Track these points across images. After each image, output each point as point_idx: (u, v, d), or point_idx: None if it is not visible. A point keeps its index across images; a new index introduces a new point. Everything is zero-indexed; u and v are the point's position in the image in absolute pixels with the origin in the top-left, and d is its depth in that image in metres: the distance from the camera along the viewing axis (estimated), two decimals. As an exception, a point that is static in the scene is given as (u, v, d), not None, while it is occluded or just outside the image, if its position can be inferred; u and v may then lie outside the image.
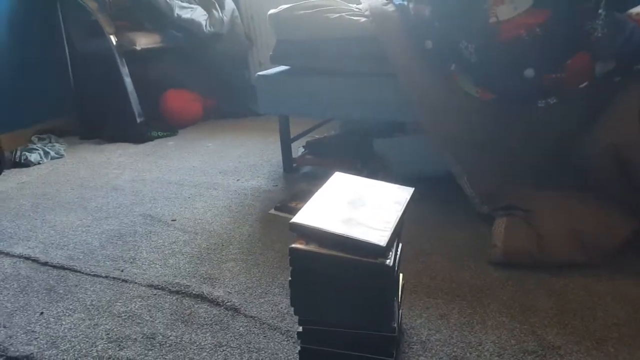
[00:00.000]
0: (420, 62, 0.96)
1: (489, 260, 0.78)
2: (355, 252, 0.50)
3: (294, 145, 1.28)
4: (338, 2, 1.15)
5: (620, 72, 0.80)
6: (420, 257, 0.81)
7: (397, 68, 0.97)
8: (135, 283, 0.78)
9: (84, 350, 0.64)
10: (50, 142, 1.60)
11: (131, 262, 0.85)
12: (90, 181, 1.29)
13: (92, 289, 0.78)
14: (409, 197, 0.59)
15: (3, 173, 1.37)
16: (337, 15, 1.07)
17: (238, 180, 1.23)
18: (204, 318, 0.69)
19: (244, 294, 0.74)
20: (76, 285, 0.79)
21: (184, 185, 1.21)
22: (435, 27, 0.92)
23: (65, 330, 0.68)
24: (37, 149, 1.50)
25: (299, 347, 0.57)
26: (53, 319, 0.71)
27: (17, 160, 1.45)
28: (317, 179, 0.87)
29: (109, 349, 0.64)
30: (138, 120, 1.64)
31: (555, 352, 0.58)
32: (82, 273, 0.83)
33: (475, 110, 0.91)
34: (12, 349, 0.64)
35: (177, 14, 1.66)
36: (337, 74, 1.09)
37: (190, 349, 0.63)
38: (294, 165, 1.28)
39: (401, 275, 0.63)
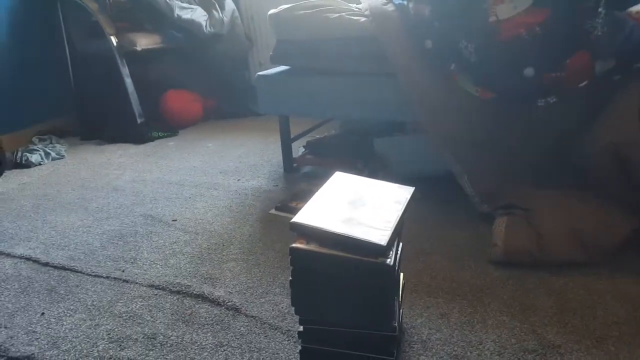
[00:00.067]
0: (420, 62, 0.96)
1: (490, 260, 0.78)
2: (355, 252, 0.50)
3: (294, 145, 1.28)
4: (338, 2, 1.15)
5: (620, 70, 0.80)
6: (421, 256, 0.81)
7: (397, 68, 0.97)
8: (136, 283, 0.79)
9: (85, 351, 0.64)
10: (51, 142, 1.61)
11: (132, 263, 0.85)
12: (91, 182, 1.29)
13: (93, 289, 0.78)
14: (409, 197, 0.59)
15: (4, 174, 1.38)
16: (337, 15, 1.07)
17: (238, 180, 1.23)
18: (205, 318, 0.69)
19: (244, 293, 0.74)
20: (77, 286, 0.79)
21: (184, 186, 1.22)
22: (435, 27, 0.92)
23: (66, 331, 0.68)
24: (38, 150, 1.51)
25: (299, 347, 0.57)
26: (54, 320, 0.71)
27: (18, 161, 1.45)
28: (318, 178, 0.87)
29: (110, 349, 0.64)
30: (138, 120, 1.64)
31: (555, 351, 0.58)
32: (83, 273, 0.83)
33: (475, 110, 0.91)
34: (13, 350, 0.64)
35: (177, 14, 1.66)
36: (337, 74, 1.09)
37: (191, 349, 0.63)
38: (295, 165, 1.28)
39: (402, 274, 0.63)
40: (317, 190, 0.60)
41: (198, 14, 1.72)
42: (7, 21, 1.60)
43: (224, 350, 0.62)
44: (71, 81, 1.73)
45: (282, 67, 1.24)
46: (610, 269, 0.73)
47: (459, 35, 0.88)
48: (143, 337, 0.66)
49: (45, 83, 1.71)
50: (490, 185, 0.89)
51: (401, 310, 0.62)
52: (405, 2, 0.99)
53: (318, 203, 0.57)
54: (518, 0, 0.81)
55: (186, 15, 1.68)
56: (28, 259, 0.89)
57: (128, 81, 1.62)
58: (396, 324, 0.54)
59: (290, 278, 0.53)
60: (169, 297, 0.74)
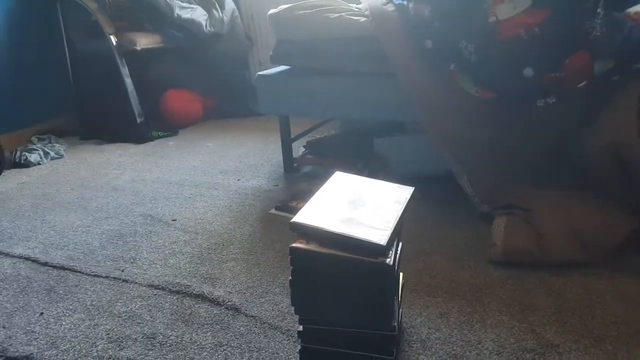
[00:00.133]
0: (420, 62, 0.96)
1: (489, 260, 0.78)
2: (355, 252, 0.50)
3: (294, 145, 1.28)
4: (338, 2, 1.15)
5: (619, 70, 0.80)
6: (421, 256, 0.81)
7: (397, 68, 0.97)
8: (136, 283, 0.79)
9: (84, 351, 0.64)
10: (50, 142, 1.60)
11: (131, 262, 0.85)
12: (90, 181, 1.29)
13: (92, 289, 0.78)
14: (409, 197, 0.59)
15: (3, 173, 1.37)
16: (337, 15, 1.07)
17: (238, 180, 1.23)
18: (205, 318, 0.69)
19: (244, 293, 0.74)
20: (76, 286, 0.79)
21: (184, 185, 1.22)
22: (435, 27, 0.92)
23: (65, 331, 0.68)
24: (37, 150, 1.50)
25: (299, 346, 0.57)
26: (53, 319, 0.71)
27: (17, 160, 1.45)
28: (318, 178, 0.88)
29: (109, 349, 0.64)
30: (138, 120, 1.64)
31: (554, 350, 0.58)
32: (82, 273, 0.83)
33: (475, 110, 0.91)
34: (12, 350, 0.64)
35: (177, 14, 1.66)
36: (337, 74, 1.09)
37: (191, 348, 0.63)
38: (295, 165, 1.28)
39: (401, 274, 0.63)
40: (317, 190, 0.60)
41: (198, 14, 1.72)
42: (6, 21, 1.59)
43: (224, 350, 0.62)
44: (70, 81, 1.73)
45: (282, 67, 1.24)
46: (609, 269, 0.73)
47: (458, 35, 0.88)
48: (142, 337, 0.65)
49: (44, 83, 1.71)
50: (490, 185, 0.90)
51: (401, 310, 0.62)
52: (405, 2, 1.00)
53: (318, 203, 0.57)
54: (518, 1, 0.81)
55: (186, 14, 1.68)
56: (27, 258, 0.89)
57: (128, 81, 1.62)
58: (396, 324, 0.54)
59: (290, 278, 0.53)
60: (169, 297, 0.74)
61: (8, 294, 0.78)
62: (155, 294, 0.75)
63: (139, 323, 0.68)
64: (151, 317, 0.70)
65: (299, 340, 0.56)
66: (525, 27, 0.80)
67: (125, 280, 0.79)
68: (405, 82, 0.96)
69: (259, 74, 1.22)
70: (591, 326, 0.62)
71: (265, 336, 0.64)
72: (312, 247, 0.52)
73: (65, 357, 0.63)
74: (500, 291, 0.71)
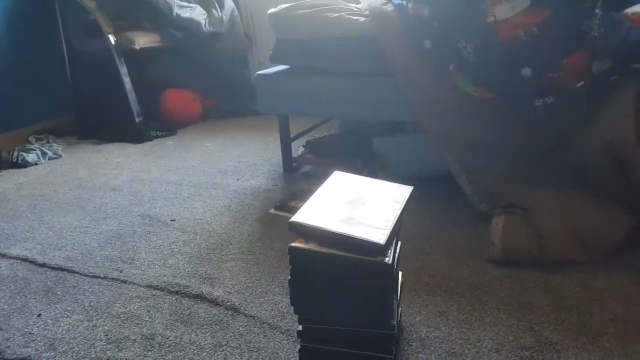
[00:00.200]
0: (419, 62, 0.96)
1: (487, 258, 0.78)
2: (354, 251, 0.50)
3: (293, 144, 1.28)
4: (337, 2, 1.15)
5: (616, 70, 0.81)
6: (419, 255, 0.81)
7: (396, 67, 0.97)
8: (134, 284, 0.78)
9: (82, 352, 0.63)
10: (48, 142, 1.60)
11: (130, 263, 0.85)
12: (88, 181, 1.28)
13: (90, 290, 0.78)
14: (408, 196, 0.59)
15: (0, 174, 1.36)
16: (337, 14, 1.07)
17: (238, 179, 1.23)
18: (204, 318, 0.69)
19: (243, 293, 0.74)
20: (74, 287, 0.79)
21: (183, 185, 1.21)
22: (434, 27, 0.92)
23: (64, 332, 0.68)
24: (35, 149, 1.50)
25: (299, 346, 0.57)
26: (51, 321, 0.70)
27: (14, 160, 1.44)
28: (317, 178, 0.87)
29: (108, 350, 0.63)
30: (137, 120, 1.64)
31: (552, 348, 0.59)
32: (81, 274, 0.82)
33: (473, 110, 0.91)
34: (9, 352, 0.64)
35: (176, 13, 1.66)
36: (337, 73, 1.09)
37: (190, 349, 0.63)
38: (294, 164, 1.28)
39: (400, 273, 0.63)
40: (316, 190, 0.60)
41: (197, 13, 1.71)
42: (3, 20, 1.58)
43: (223, 350, 0.62)
44: (69, 80, 1.72)
45: (282, 66, 1.24)
46: (606, 267, 0.74)
47: (457, 35, 0.88)
48: (141, 337, 0.65)
49: (42, 82, 1.70)
50: (489, 184, 0.90)
51: (400, 309, 0.62)
52: (404, 2, 1.00)
53: (317, 202, 0.57)
54: (516, 1, 0.81)
55: (185, 13, 1.68)
56: (24, 259, 0.89)
57: (126, 80, 1.62)
58: (395, 323, 0.54)
59: (289, 277, 0.53)
60: (168, 297, 0.74)
61: (5, 295, 0.78)
62: (154, 295, 0.75)
63: (138, 324, 0.68)
64: (150, 317, 0.69)
65: (299, 339, 0.56)
66: (524, 27, 0.81)
67: (124, 281, 0.79)
68: (404, 82, 0.97)
69: (258, 74, 1.22)
70: (589, 324, 0.63)
71: (265, 336, 0.64)
72: (311, 246, 0.52)
73: (63, 358, 0.62)
74: (499, 289, 0.71)
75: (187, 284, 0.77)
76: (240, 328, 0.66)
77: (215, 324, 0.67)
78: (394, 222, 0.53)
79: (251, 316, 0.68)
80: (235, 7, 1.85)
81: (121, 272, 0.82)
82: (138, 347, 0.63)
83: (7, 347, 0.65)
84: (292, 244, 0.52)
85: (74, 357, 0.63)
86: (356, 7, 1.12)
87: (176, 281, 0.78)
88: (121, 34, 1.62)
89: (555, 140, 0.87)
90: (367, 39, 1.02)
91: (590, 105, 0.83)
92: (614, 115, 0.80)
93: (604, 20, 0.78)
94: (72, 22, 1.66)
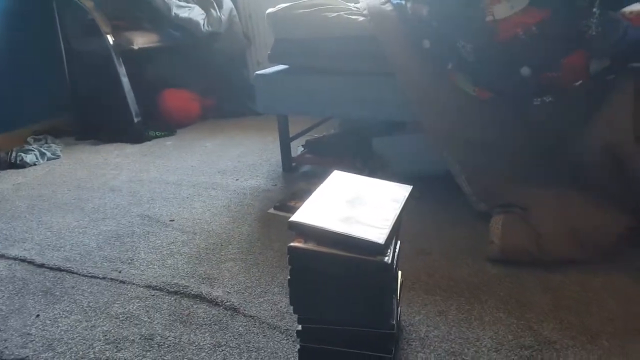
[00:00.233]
0: (418, 61, 0.96)
1: (487, 257, 0.78)
2: (353, 250, 0.50)
3: (293, 144, 1.28)
4: (336, 1, 1.15)
5: (614, 69, 0.81)
6: (419, 254, 0.81)
7: (396, 67, 0.97)
8: (133, 284, 0.78)
9: (80, 352, 0.63)
10: (46, 142, 1.59)
11: (129, 263, 0.85)
12: (87, 182, 1.28)
13: (89, 290, 0.77)
14: (407, 195, 0.59)
15: (-2, 174, 1.37)
16: (336, 14, 1.07)
17: (237, 179, 1.23)
18: (203, 318, 0.69)
19: (243, 293, 0.74)
20: (73, 287, 0.78)
21: (182, 185, 1.21)
22: (433, 27, 0.92)
23: (62, 333, 0.67)
24: (33, 150, 1.49)
25: (298, 346, 0.57)
26: (49, 321, 0.70)
27: (13, 161, 1.44)
28: (316, 178, 0.87)
29: (107, 350, 0.63)
30: (135, 120, 1.63)
31: (551, 347, 0.59)
32: (79, 274, 0.82)
33: (472, 109, 0.91)
34: (8, 352, 0.64)
35: (175, 13, 1.65)
36: (336, 73, 1.09)
37: (189, 349, 0.63)
38: (293, 164, 1.28)
39: (400, 272, 0.63)
40: (315, 190, 0.60)
41: (196, 13, 1.71)
42: (1, 20, 1.58)
43: (222, 350, 0.62)
44: (67, 80, 1.71)
45: (281, 66, 1.24)
46: (605, 266, 0.74)
47: (456, 35, 0.88)
48: (140, 338, 0.65)
49: (40, 82, 1.70)
50: (488, 184, 0.90)
51: (399, 308, 0.62)
52: (403, 2, 1.00)
53: (316, 202, 0.57)
54: (515, 0, 0.81)
55: (184, 13, 1.68)
56: (23, 260, 0.89)
57: (125, 80, 1.61)
58: (394, 322, 0.54)
59: (289, 277, 0.53)
60: (167, 297, 0.74)
61: (3, 296, 0.77)
62: (153, 295, 0.75)
63: (137, 324, 0.68)
64: (149, 318, 0.69)
65: (298, 339, 0.56)
66: (523, 26, 0.81)
67: (123, 281, 0.79)
68: (403, 82, 0.97)
69: (257, 73, 1.22)
70: (588, 323, 0.63)
71: (264, 336, 0.64)
72: (310, 246, 0.51)
73: (62, 359, 0.62)
74: (498, 289, 0.71)
75: (186, 284, 0.77)
76: (240, 328, 0.66)
77: (215, 324, 0.67)
78: (394, 221, 0.53)
79: (250, 316, 0.68)
80: (233, 7, 1.85)
81: (120, 272, 0.82)
82: (137, 348, 0.63)
83: (5, 347, 0.65)
84: (292, 244, 0.52)
85: (73, 357, 0.62)
86: (355, 7, 1.12)
87: (175, 281, 0.78)
88: (119, 34, 1.61)
89: (554, 139, 0.87)
90: (366, 39, 1.02)
91: (589, 104, 0.83)
92: (612, 114, 0.80)
93: (602, 19, 0.78)
94: (70, 22, 1.66)
